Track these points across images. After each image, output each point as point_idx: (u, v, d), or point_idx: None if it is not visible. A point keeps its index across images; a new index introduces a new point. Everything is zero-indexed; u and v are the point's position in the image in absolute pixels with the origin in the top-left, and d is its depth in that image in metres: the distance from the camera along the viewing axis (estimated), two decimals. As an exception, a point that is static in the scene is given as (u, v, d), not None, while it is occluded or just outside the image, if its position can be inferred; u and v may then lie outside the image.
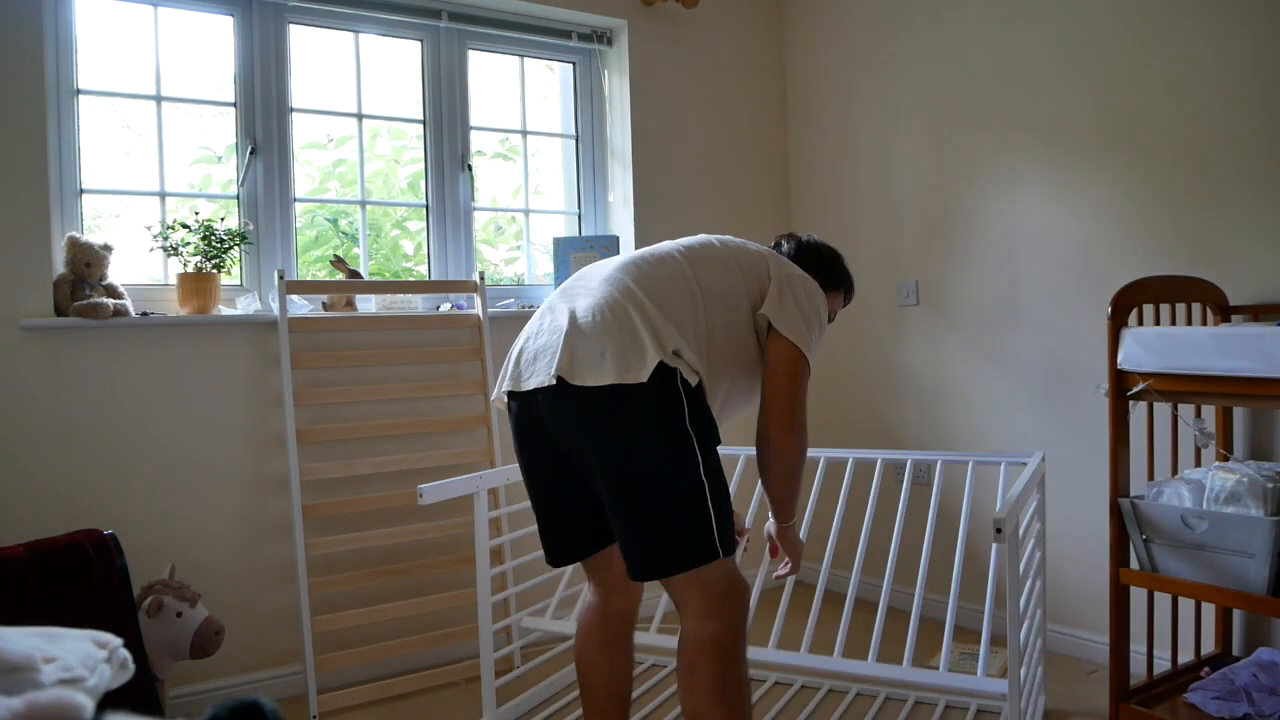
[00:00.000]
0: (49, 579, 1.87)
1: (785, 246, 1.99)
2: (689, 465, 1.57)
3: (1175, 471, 2.30)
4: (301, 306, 2.78)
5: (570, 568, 2.60)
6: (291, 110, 2.85)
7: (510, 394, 1.72)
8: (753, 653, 2.86)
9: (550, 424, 1.65)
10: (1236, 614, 2.37)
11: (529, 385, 1.64)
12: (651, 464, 1.56)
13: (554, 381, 1.58)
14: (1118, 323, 2.13)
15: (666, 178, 3.41)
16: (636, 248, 3.34)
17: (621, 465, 1.57)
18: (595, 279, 1.74)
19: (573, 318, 1.64)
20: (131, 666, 0.94)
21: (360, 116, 3.00)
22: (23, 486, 2.35)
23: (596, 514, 1.73)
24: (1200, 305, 2.33)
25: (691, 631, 1.62)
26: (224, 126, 2.80)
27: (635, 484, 1.57)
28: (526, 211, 3.35)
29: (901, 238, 3.25)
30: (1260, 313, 2.27)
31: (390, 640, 2.68)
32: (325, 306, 2.82)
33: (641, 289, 1.66)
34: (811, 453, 2.54)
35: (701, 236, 1.87)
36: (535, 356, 1.66)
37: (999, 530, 1.65)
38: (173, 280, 2.65)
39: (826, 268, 1.97)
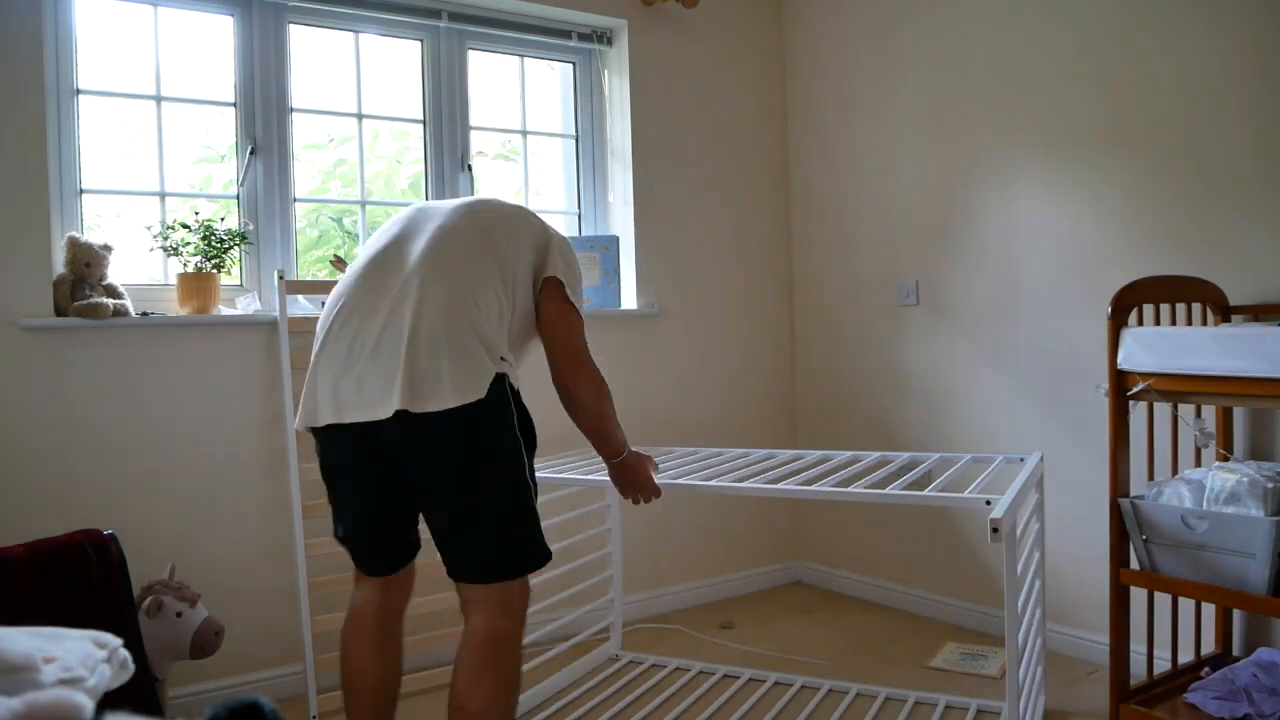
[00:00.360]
0: (49, 579, 1.87)
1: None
2: (519, 472, 1.71)
3: (1175, 471, 2.30)
4: (303, 307, 2.78)
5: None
6: (291, 110, 2.85)
7: (330, 426, 1.70)
8: (753, 652, 2.87)
9: (389, 450, 1.69)
10: (1237, 614, 2.37)
11: (357, 416, 1.64)
12: (493, 476, 1.67)
13: (391, 414, 1.60)
14: (1118, 323, 2.14)
15: (666, 178, 3.41)
16: (636, 247, 3.34)
17: (464, 480, 1.66)
18: (398, 277, 1.71)
19: (397, 336, 1.63)
20: (131, 666, 0.94)
21: (360, 116, 3.00)
22: (23, 486, 2.35)
23: (412, 524, 1.86)
24: (1200, 305, 2.33)
25: (485, 628, 1.69)
26: (224, 126, 2.80)
27: (476, 496, 1.66)
28: (526, 211, 3.35)
29: (901, 238, 3.25)
30: (1260, 313, 2.27)
31: (390, 640, 2.68)
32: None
33: (458, 287, 1.68)
34: (811, 452, 2.54)
35: (473, 200, 1.90)
36: (359, 382, 1.64)
37: (995, 530, 1.66)
38: (173, 280, 2.65)
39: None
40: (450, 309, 1.65)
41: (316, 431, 1.77)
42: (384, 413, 1.61)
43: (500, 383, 1.66)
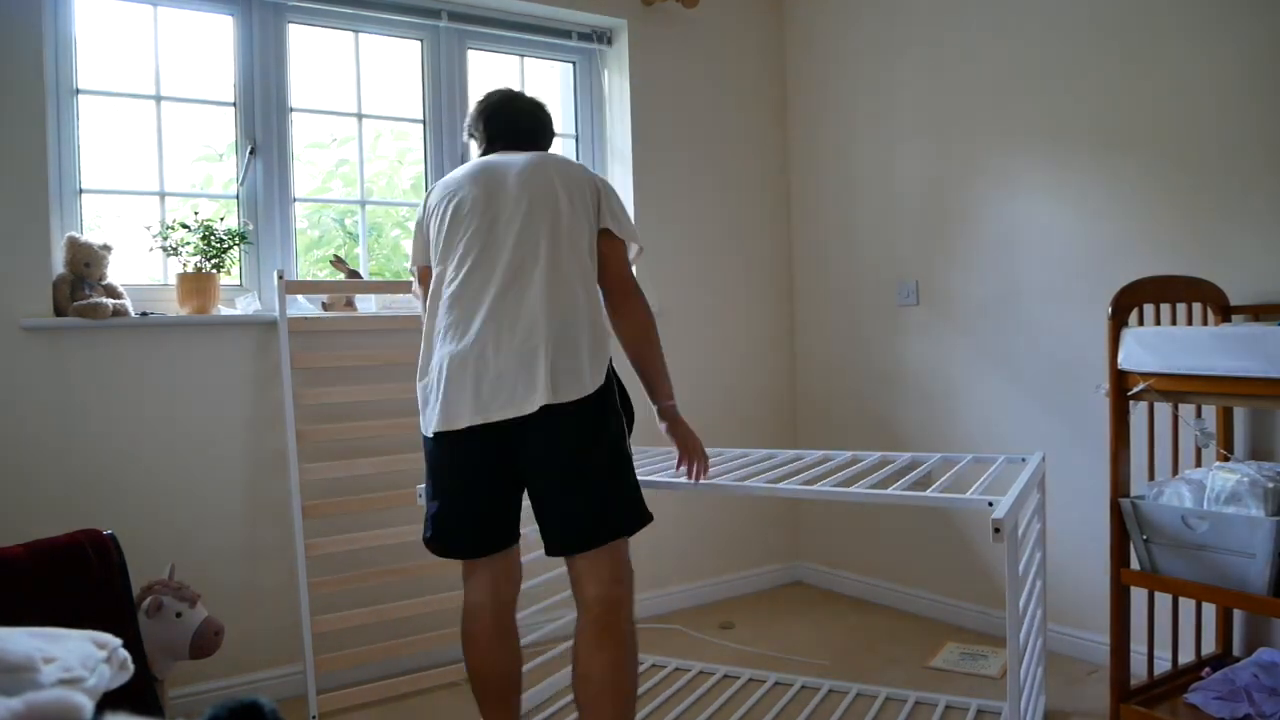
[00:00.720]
0: (49, 579, 1.87)
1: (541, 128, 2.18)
2: (621, 442, 1.87)
3: (1175, 471, 2.30)
4: (302, 307, 2.78)
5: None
6: (291, 110, 2.85)
7: (471, 426, 1.81)
8: (753, 652, 2.87)
9: (517, 440, 1.81)
10: (1237, 614, 2.37)
11: (506, 414, 1.77)
12: (604, 447, 1.82)
13: (537, 409, 1.75)
14: (1118, 323, 2.13)
15: (666, 178, 3.41)
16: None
17: (581, 453, 1.80)
18: (506, 274, 1.83)
19: (530, 336, 1.77)
20: (131, 666, 0.94)
21: (360, 116, 3.00)
22: (23, 486, 2.35)
23: (513, 511, 1.96)
24: (1200, 305, 2.33)
25: (600, 597, 1.83)
26: (224, 126, 2.80)
27: (588, 464, 1.80)
28: (526, 211, 3.35)
29: (901, 237, 3.25)
30: (1260, 313, 2.27)
31: (390, 640, 2.68)
32: (325, 306, 2.82)
33: (567, 278, 1.82)
34: (811, 452, 2.54)
35: (535, 163, 1.94)
36: (498, 380, 1.78)
37: (997, 530, 1.65)
38: (172, 280, 2.65)
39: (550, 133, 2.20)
40: (568, 304, 1.81)
41: (447, 434, 1.85)
42: (530, 408, 1.76)
43: (610, 365, 1.86)
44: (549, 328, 1.77)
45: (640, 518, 1.88)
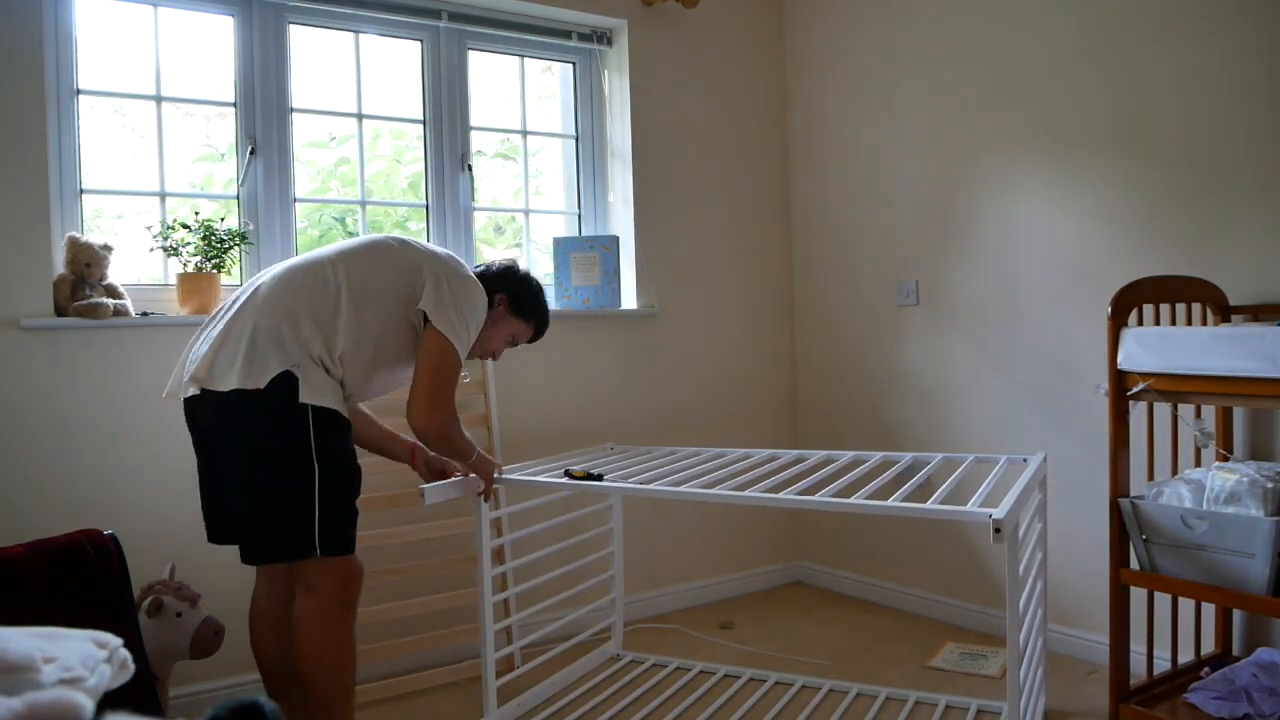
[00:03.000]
0: (49, 579, 1.87)
1: (493, 268, 2.29)
2: (298, 469, 1.88)
3: (1175, 471, 2.30)
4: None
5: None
6: (291, 110, 2.85)
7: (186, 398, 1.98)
8: (753, 652, 2.86)
9: (196, 422, 1.99)
10: (1236, 614, 2.37)
11: (186, 393, 1.94)
12: (251, 462, 1.90)
13: (197, 390, 1.91)
14: (1118, 323, 2.14)
15: (666, 178, 3.41)
16: (636, 247, 3.35)
17: (236, 466, 1.92)
18: (250, 291, 2.00)
19: (223, 323, 1.95)
20: (131, 666, 0.94)
21: (360, 117, 3.00)
22: (23, 486, 2.35)
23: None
24: (1200, 305, 2.33)
25: (296, 607, 1.98)
26: (224, 126, 2.80)
27: (242, 483, 1.92)
28: (526, 211, 3.35)
29: (901, 237, 3.25)
30: (1260, 313, 2.27)
31: (390, 640, 2.68)
32: (325, 306, 2.82)
33: (289, 299, 1.94)
34: (814, 452, 2.54)
35: (367, 238, 2.13)
36: (179, 368, 2.01)
37: (998, 530, 1.66)
38: (173, 280, 2.65)
39: (514, 288, 2.28)
40: (276, 317, 1.94)
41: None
42: (192, 389, 1.95)
43: (288, 382, 1.88)
44: None
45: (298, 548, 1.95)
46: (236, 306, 1.97)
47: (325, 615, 1.95)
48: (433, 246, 2.15)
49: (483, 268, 2.29)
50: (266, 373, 1.85)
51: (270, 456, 1.88)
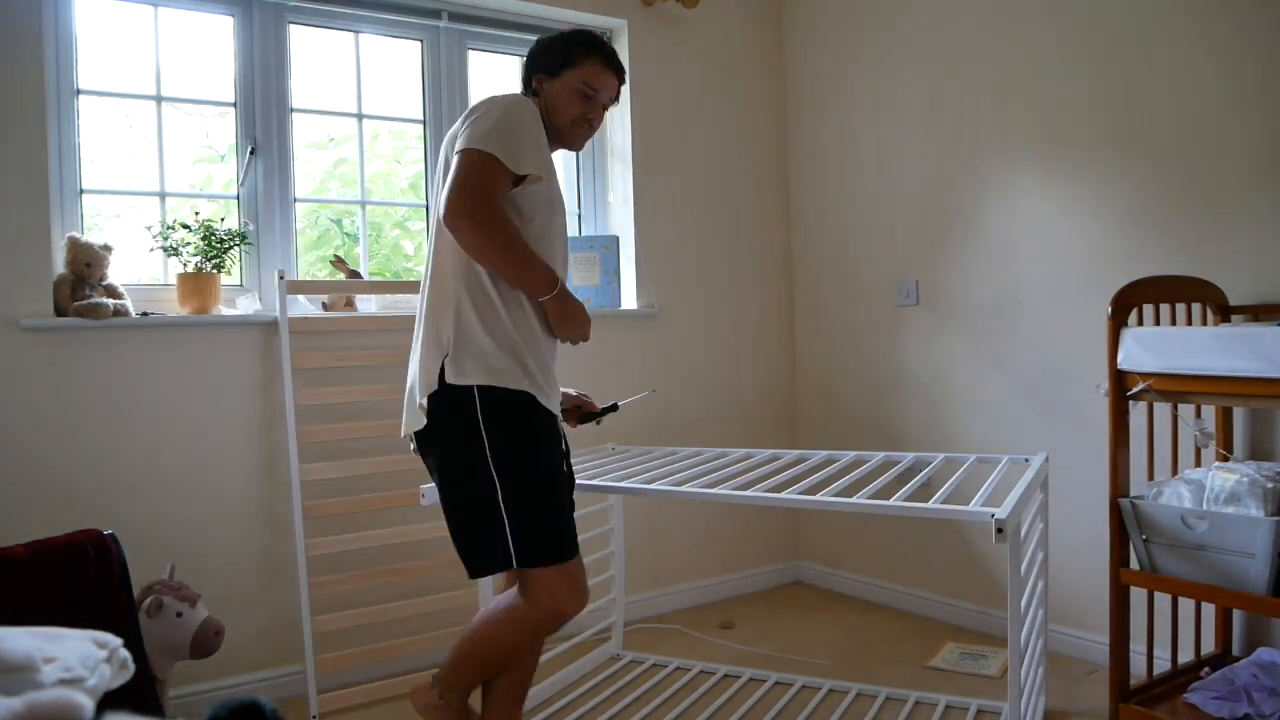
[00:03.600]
0: (49, 579, 1.87)
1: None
2: (482, 481, 1.77)
3: (1175, 471, 2.30)
4: (303, 307, 2.78)
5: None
6: (291, 110, 2.85)
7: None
8: (753, 652, 2.86)
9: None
10: (1236, 614, 2.37)
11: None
12: (453, 481, 1.84)
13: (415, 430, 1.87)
14: (1118, 323, 2.13)
15: (666, 178, 3.41)
16: (636, 247, 3.34)
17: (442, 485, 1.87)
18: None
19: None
20: (131, 666, 0.94)
21: (360, 117, 3.00)
22: (23, 486, 2.35)
23: None
24: (1200, 305, 2.33)
25: (504, 595, 1.90)
26: (224, 126, 2.80)
27: (448, 500, 1.86)
28: (526, 211, 3.35)
29: (901, 237, 3.25)
30: (1260, 313, 2.27)
31: (390, 640, 2.68)
32: (325, 306, 2.82)
33: (426, 304, 1.85)
34: (816, 452, 2.54)
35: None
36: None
37: (1000, 531, 1.65)
38: (173, 280, 2.65)
39: (536, 59, 1.97)
40: (429, 331, 1.87)
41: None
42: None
43: (459, 397, 1.78)
44: None
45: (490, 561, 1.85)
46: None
47: (521, 617, 1.83)
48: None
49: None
50: (435, 374, 1.77)
51: (452, 466, 1.81)
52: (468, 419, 1.75)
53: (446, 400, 1.77)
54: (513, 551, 1.77)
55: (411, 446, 1.92)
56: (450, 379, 1.75)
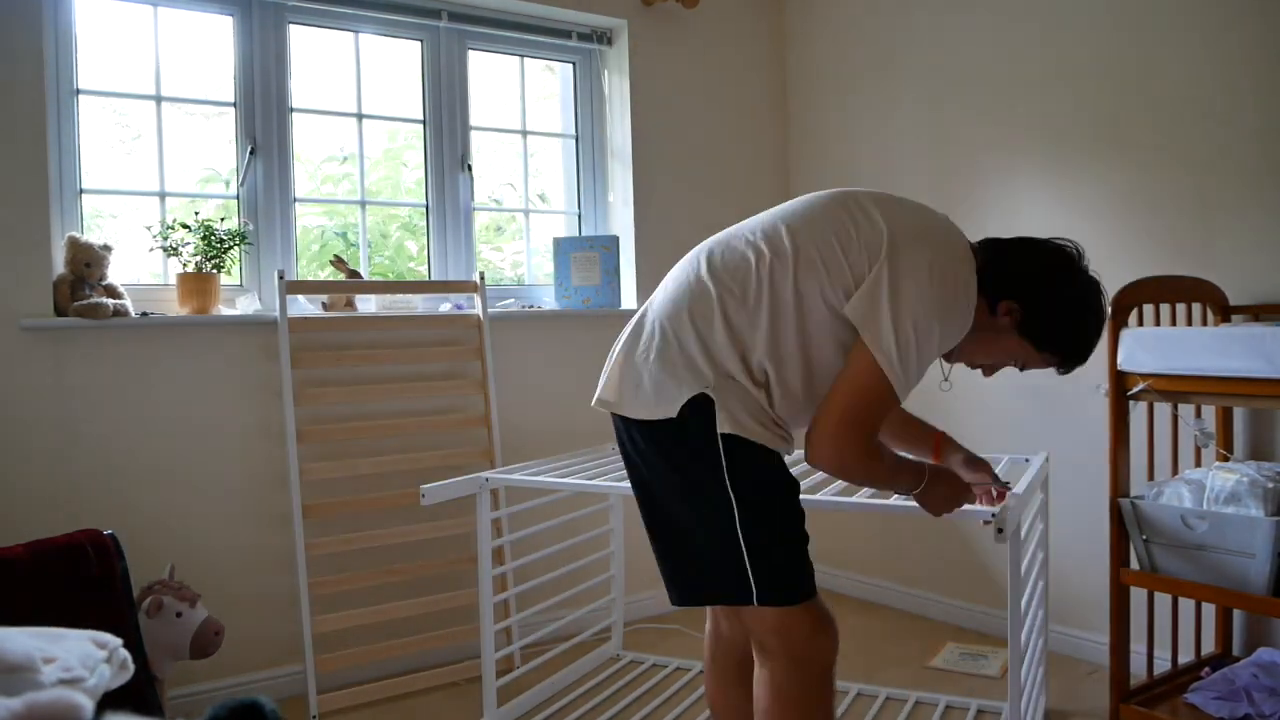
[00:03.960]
0: (49, 579, 1.87)
1: (1020, 251, 1.60)
2: (718, 504, 1.49)
3: (1175, 471, 2.30)
4: (302, 307, 2.78)
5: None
6: (291, 110, 2.85)
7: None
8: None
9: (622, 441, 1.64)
10: (1237, 614, 2.37)
11: (597, 398, 1.63)
12: (677, 499, 1.54)
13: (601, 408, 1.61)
14: (1118, 323, 2.14)
15: (666, 178, 3.41)
16: (636, 248, 3.34)
17: (651, 492, 1.58)
18: (680, 267, 1.62)
19: (634, 332, 1.59)
20: (131, 666, 0.94)
21: (360, 116, 3.00)
22: (23, 486, 2.35)
23: None
24: (1200, 305, 2.33)
25: (754, 674, 1.59)
26: (224, 126, 2.80)
27: (660, 516, 1.58)
28: (526, 211, 3.35)
29: (901, 238, 3.25)
30: (1260, 313, 2.27)
31: (390, 640, 2.68)
32: (325, 306, 2.82)
33: (714, 288, 1.52)
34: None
35: (813, 200, 1.62)
36: (606, 369, 1.63)
37: (1000, 531, 1.65)
38: (173, 280, 2.65)
39: (1039, 306, 1.53)
40: (694, 318, 1.56)
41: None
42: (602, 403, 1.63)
43: (705, 407, 1.48)
44: None
45: (728, 590, 1.53)
46: (645, 309, 1.61)
47: (784, 690, 1.52)
48: (914, 211, 1.60)
49: (1007, 244, 1.62)
50: (678, 401, 1.48)
51: (685, 488, 1.52)
52: (710, 443, 1.49)
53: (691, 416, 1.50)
54: (753, 586, 1.49)
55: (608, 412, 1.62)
56: (694, 413, 1.49)
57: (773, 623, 1.52)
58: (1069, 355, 1.57)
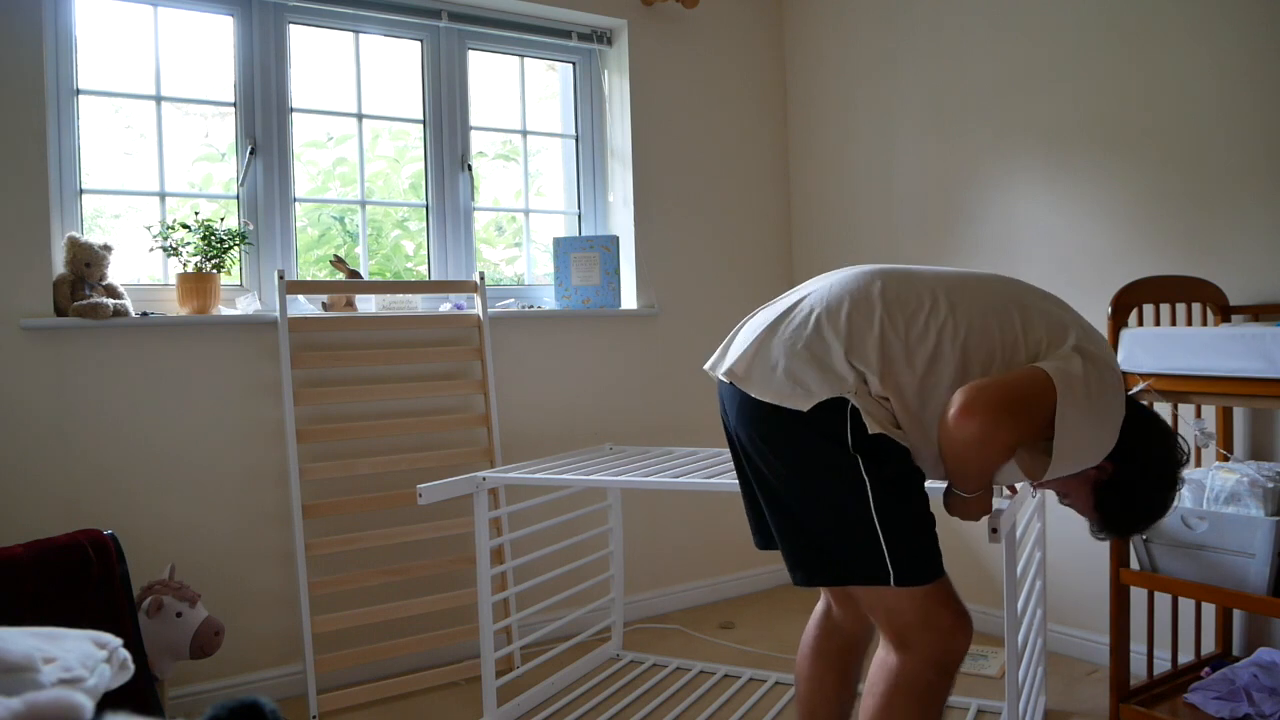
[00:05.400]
0: (49, 579, 1.87)
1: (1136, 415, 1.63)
2: (851, 486, 1.48)
3: (1175, 471, 2.29)
4: (303, 307, 2.78)
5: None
6: (291, 110, 2.85)
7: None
8: (753, 652, 2.87)
9: (727, 412, 1.64)
10: (1237, 614, 2.37)
11: (720, 369, 1.62)
12: (804, 481, 1.52)
13: (726, 379, 1.59)
14: (1118, 323, 2.13)
15: (666, 178, 3.41)
16: (636, 247, 3.34)
17: (772, 478, 1.56)
18: (847, 272, 1.62)
19: (785, 313, 1.57)
20: (131, 666, 0.94)
21: (360, 116, 3.00)
22: (23, 486, 2.35)
23: None
24: (1200, 305, 2.33)
25: (878, 658, 1.56)
26: (224, 126, 2.81)
27: (782, 497, 1.55)
28: (526, 211, 3.35)
29: (901, 238, 3.25)
30: (1260, 313, 2.27)
31: (390, 640, 2.68)
32: (325, 306, 2.82)
33: (880, 307, 1.51)
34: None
35: (1008, 280, 1.62)
36: (729, 342, 1.64)
37: (994, 530, 1.65)
38: (173, 280, 2.65)
39: (1131, 468, 1.59)
40: (856, 316, 1.55)
41: None
42: (723, 374, 1.63)
43: (838, 405, 1.48)
44: None
45: (862, 571, 1.50)
46: (801, 294, 1.60)
47: (915, 683, 1.50)
48: (1078, 324, 1.60)
49: (1136, 411, 1.66)
50: (811, 399, 1.48)
51: (811, 472, 1.51)
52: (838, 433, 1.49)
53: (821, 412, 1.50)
54: (889, 566, 1.48)
55: (728, 382, 1.60)
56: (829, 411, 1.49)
57: (914, 616, 1.50)
58: (1117, 530, 1.68)
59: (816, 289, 1.60)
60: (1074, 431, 1.45)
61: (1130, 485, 1.59)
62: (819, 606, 1.81)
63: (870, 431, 1.46)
